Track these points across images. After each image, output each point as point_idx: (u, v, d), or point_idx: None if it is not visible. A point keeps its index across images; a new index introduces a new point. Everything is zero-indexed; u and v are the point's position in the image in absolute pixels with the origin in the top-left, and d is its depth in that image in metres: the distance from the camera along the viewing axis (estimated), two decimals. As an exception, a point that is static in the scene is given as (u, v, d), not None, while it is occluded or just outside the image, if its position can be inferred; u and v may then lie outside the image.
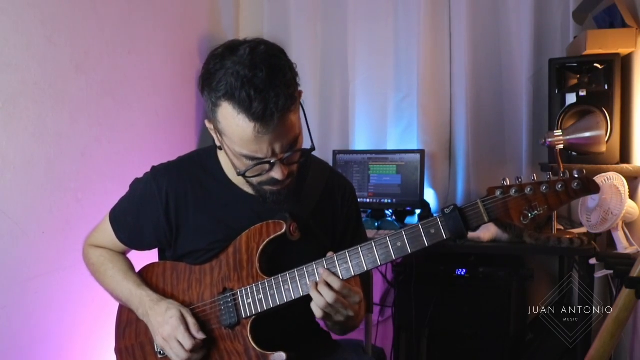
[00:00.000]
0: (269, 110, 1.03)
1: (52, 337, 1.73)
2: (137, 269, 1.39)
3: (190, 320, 1.21)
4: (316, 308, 1.15)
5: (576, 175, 1.03)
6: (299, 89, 1.14)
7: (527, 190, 1.04)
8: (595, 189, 1.04)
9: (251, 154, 1.10)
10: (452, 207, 1.08)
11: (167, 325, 1.20)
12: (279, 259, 1.26)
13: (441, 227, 1.09)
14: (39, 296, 1.67)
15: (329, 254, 1.17)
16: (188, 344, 1.18)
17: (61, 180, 1.75)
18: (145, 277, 1.35)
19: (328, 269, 1.15)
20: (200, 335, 1.20)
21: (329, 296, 1.12)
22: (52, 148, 1.71)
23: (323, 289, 1.13)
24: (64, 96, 1.76)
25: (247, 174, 1.14)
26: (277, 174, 1.13)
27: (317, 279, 1.15)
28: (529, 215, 1.05)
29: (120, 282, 1.32)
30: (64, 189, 1.76)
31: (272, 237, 1.23)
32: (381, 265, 1.16)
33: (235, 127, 1.07)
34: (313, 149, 1.19)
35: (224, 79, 1.05)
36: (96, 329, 1.87)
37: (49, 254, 1.71)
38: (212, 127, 1.16)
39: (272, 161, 1.11)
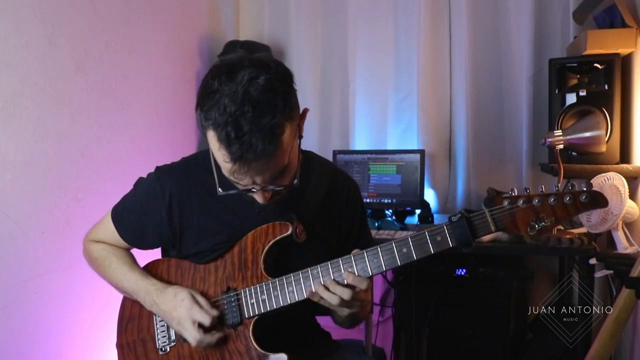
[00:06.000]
0: (244, 156, 1.02)
1: (52, 337, 1.73)
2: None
3: (201, 300, 1.22)
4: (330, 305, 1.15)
5: (584, 189, 1.03)
6: (301, 110, 1.14)
7: (535, 201, 1.04)
8: (603, 202, 1.04)
9: (233, 180, 1.11)
10: (460, 215, 1.08)
11: (181, 308, 1.20)
12: (284, 260, 1.26)
13: (447, 235, 1.09)
14: (39, 296, 1.67)
15: (355, 250, 1.16)
16: (207, 320, 1.19)
17: (61, 180, 1.75)
18: (150, 273, 1.34)
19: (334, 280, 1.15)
20: (214, 312, 1.20)
21: (345, 293, 1.13)
22: (52, 148, 1.71)
23: (336, 287, 1.13)
24: (64, 96, 1.76)
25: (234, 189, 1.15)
26: (259, 198, 1.14)
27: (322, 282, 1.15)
28: (536, 226, 1.05)
29: (126, 274, 1.32)
30: (64, 189, 1.76)
31: (277, 238, 1.23)
32: (386, 270, 1.17)
33: (218, 154, 1.07)
34: (296, 184, 1.17)
35: (214, 107, 1.03)
36: (96, 328, 1.87)
37: (49, 254, 1.71)
38: None
39: (253, 190, 1.12)
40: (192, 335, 1.20)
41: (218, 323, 1.24)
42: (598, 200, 1.04)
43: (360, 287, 1.13)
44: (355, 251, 1.16)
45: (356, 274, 1.14)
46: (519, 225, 1.05)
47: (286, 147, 1.09)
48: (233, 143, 1.02)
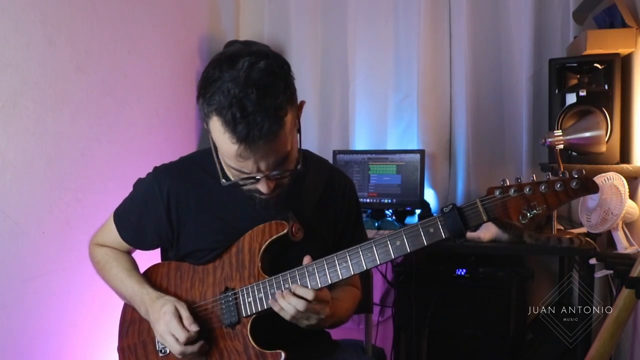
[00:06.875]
0: (251, 134, 1.03)
1: (52, 337, 1.73)
2: (142, 270, 1.39)
3: (184, 314, 1.22)
4: (285, 314, 1.16)
5: (575, 175, 1.03)
6: (298, 102, 1.14)
7: (526, 190, 1.04)
8: (594, 188, 1.04)
9: (237, 167, 1.11)
10: (451, 206, 1.08)
11: (162, 320, 1.21)
12: (281, 258, 1.26)
13: (440, 226, 1.09)
14: (39, 296, 1.67)
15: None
16: (182, 336, 1.19)
17: (61, 180, 1.75)
18: (150, 277, 1.35)
19: (299, 284, 1.16)
20: (193, 328, 1.20)
21: (300, 304, 1.13)
22: (52, 148, 1.71)
23: (291, 298, 1.14)
24: (64, 96, 1.76)
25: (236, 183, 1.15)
26: (262, 187, 1.14)
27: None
28: (528, 214, 1.05)
29: (124, 281, 1.33)
30: (64, 189, 1.76)
31: (274, 237, 1.24)
32: (380, 264, 1.17)
33: (222, 142, 1.08)
34: (299, 169, 1.18)
35: (217, 93, 1.05)
36: (96, 329, 1.87)
37: (49, 254, 1.71)
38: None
39: (257, 177, 1.12)
40: (172, 348, 1.21)
41: (216, 323, 1.25)
42: (588, 186, 1.03)
43: (306, 297, 1.14)
44: None
45: (351, 269, 1.14)
46: (511, 214, 1.05)
47: (289, 131, 1.10)
48: (239, 123, 1.03)
